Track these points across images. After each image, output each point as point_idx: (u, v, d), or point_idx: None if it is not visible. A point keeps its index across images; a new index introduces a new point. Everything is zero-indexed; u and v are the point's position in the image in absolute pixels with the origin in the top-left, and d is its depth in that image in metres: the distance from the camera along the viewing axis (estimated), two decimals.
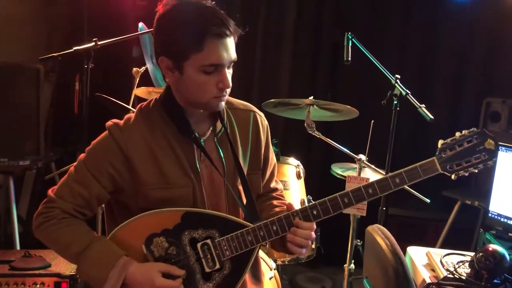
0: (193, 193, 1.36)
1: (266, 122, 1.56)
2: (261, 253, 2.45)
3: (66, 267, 2.12)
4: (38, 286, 2.06)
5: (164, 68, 1.33)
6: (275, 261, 2.56)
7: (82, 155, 1.38)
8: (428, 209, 3.34)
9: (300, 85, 3.57)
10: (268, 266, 2.39)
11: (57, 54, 2.51)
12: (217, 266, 1.33)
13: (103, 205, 1.46)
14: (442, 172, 1.35)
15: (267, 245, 2.58)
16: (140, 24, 2.61)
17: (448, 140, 1.37)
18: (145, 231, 1.32)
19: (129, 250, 1.31)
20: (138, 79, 2.83)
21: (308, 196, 2.78)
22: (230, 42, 1.29)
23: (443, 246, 3.02)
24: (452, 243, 2.91)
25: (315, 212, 1.35)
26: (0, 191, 3.47)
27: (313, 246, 2.76)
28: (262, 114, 1.55)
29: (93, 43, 2.46)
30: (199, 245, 1.32)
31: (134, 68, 2.84)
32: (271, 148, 1.57)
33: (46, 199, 1.36)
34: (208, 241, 1.32)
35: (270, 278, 2.33)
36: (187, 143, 1.38)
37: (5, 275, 2.05)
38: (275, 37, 3.61)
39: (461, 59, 3.59)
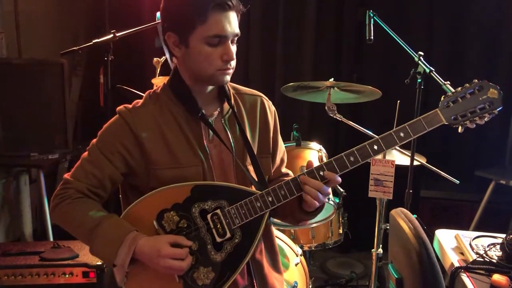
0: (202, 173, 1.38)
1: (273, 108, 1.56)
2: (287, 239, 2.44)
3: (93, 257, 2.15)
4: (67, 276, 2.13)
5: (171, 44, 1.37)
6: (301, 247, 2.53)
7: (94, 139, 1.42)
8: (462, 191, 3.24)
9: (323, 68, 3.49)
10: (294, 252, 2.37)
11: (77, 47, 2.54)
12: (228, 235, 1.34)
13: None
14: (446, 123, 1.34)
15: (293, 232, 2.61)
16: (158, 14, 2.61)
17: (450, 93, 1.35)
18: (156, 207, 1.34)
19: (142, 228, 1.33)
20: (159, 69, 2.84)
21: None
22: (233, 16, 1.32)
23: (477, 229, 2.90)
24: (487, 225, 2.79)
25: (321, 173, 1.35)
26: (34, 185, 3.58)
27: (340, 231, 2.72)
28: (269, 100, 1.56)
29: (112, 35, 2.48)
30: (209, 216, 1.34)
31: (154, 58, 2.85)
32: (279, 134, 1.56)
33: (62, 181, 1.40)
34: (218, 211, 1.34)
35: (296, 264, 2.31)
36: (195, 123, 1.40)
37: (36, 266, 2.13)
38: (297, 19, 3.53)
39: (493, 36, 3.39)
